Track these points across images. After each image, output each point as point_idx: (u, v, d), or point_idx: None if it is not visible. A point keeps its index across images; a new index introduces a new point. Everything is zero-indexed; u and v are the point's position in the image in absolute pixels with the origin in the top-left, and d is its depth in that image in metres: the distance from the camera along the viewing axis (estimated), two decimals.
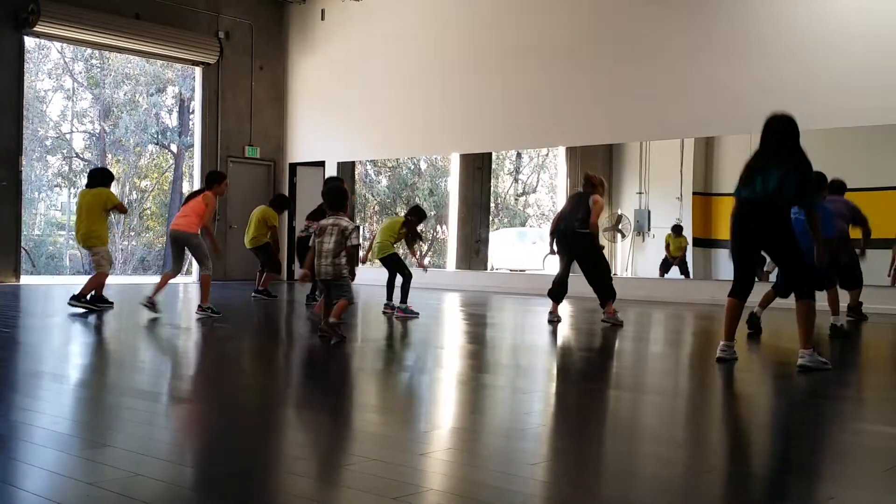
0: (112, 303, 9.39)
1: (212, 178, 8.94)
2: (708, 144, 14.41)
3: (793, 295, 5.63)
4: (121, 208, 9.56)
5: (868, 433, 3.86)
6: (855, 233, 8.92)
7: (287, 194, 12.07)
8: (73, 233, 9.85)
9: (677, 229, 15.14)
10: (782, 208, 5.57)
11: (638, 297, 12.39)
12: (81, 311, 8.80)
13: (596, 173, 9.01)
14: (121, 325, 8.31)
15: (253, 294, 11.30)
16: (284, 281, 16.33)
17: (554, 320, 8.56)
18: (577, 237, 8.47)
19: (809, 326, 5.48)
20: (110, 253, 9.53)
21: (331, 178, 10.45)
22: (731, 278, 5.84)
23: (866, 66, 10.98)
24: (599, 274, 8.56)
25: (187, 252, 8.84)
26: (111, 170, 9.81)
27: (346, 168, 17.68)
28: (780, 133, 5.76)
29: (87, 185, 9.44)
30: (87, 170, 27.49)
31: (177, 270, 8.87)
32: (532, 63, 14.17)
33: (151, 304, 8.46)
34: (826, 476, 3.12)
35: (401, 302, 8.98)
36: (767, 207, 5.56)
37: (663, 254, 15.36)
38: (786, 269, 5.83)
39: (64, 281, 16.49)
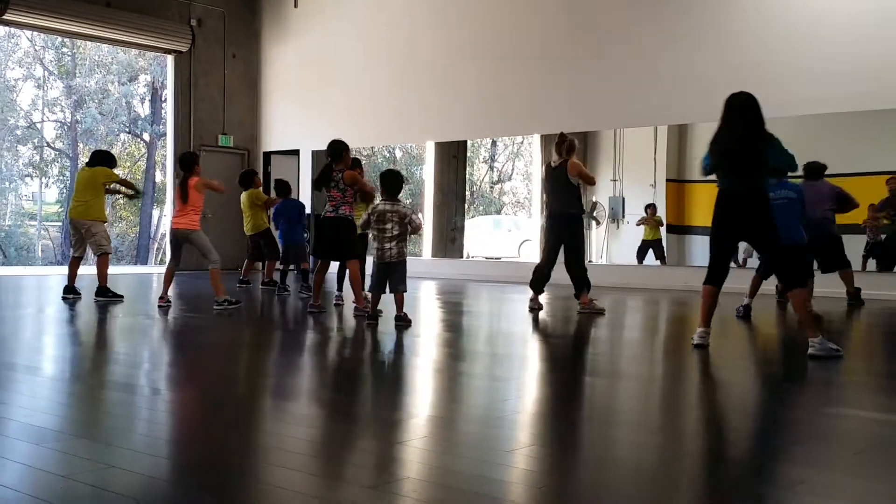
0: (79, 294, 9.33)
1: (189, 163, 8.71)
2: (681, 132, 14.47)
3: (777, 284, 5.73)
4: (126, 184, 9.39)
5: (840, 417, 3.92)
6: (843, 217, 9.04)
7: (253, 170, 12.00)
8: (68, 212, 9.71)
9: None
10: (764, 197, 5.63)
11: (613, 284, 12.46)
12: (105, 301, 8.86)
13: (568, 135, 8.67)
14: (101, 317, 8.24)
15: (261, 286, 11.27)
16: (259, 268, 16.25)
17: (535, 308, 8.44)
18: (569, 219, 8.29)
19: (809, 314, 5.57)
20: (108, 233, 9.38)
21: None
22: (706, 265, 5.88)
23: (837, 53, 11.07)
24: (580, 261, 8.37)
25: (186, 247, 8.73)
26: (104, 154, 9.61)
27: (321, 157, 17.61)
28: (748, 113, 5.78)
29: (87, 164, 9.33)
30: (59, 159, 27.30)
31: (176, 265, 8.77)
32: (507, 51, 14.17)
33: (166, 304, 8.41)
34: (797, 459, 3.16)
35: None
36: (752, 200, 5.61)
37: (639, 240, 15.41)
38: (773, 260, 5.91)
39: (35, 272, 16.33)
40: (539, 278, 8.48)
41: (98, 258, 9.05)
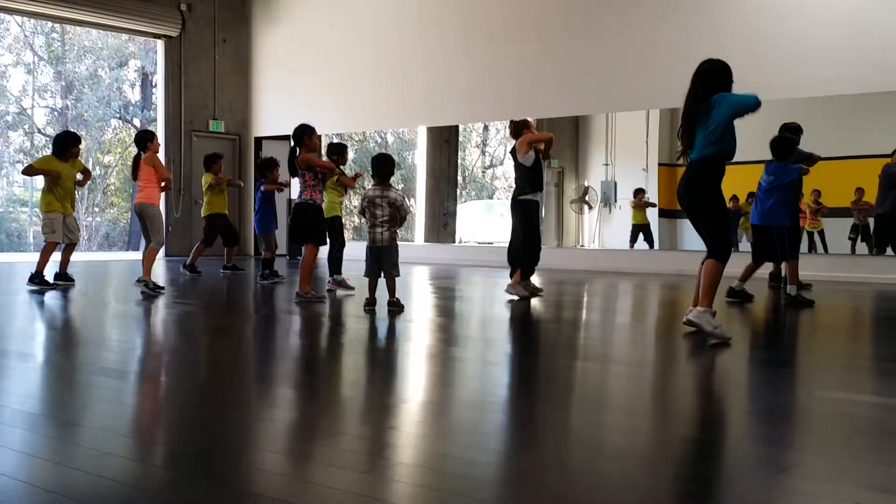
0: (73, 280, 9.29)
1: (143, 140, 8.79)
2: (673, 115, 14.46)
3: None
4: (51, 174, 8.89)
5: (829, 400, 3.94)
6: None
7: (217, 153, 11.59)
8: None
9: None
10: (698, 171, 5.47)
11: (605, 269, 12.48)
12: (36, 289, 8.70)
13: (519, 119, 8.62)
14: (87, 302, 8.23)
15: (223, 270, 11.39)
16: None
17: (524, 294, 8.30)
18: (515, 204, 8.30)
19: (711, 285, 5.41)
20: (57, 221, 8.93)
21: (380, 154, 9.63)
22: (698, 249, 5.84)
23: (825, 36, 11.08)
24: (521, 245, 8.24)
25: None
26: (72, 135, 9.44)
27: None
28: (696, 79, 5.56)
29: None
30: (49, 145, 27.16)
31: (158, 243, 8.73)
32: (498, 35, 14.13)
33: (153, 288, 8.37)
34: (788, 443, 3.18)
35: (334, 273, 8.81)
36: (686, 175, 5.51)
37: (631, 226, 15.42)
38: (707, 239, 5.59)
39: (27, 258, 16.29)
40: (511, 262, 8.45)
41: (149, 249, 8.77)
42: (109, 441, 3.03)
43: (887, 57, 10.67)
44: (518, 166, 8.21)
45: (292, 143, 7.78)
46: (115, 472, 2.68)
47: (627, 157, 16.78)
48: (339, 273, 8.78)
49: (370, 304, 7.07)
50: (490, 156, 24.11)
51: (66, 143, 9.10)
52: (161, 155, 16.36)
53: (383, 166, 7.05)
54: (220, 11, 17.07)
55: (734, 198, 12.08)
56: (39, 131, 26.44)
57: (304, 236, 7.80)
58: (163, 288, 8.67)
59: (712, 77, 5.47)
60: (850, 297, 9.30)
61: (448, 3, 14.82)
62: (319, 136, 8.26)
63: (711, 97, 5.38)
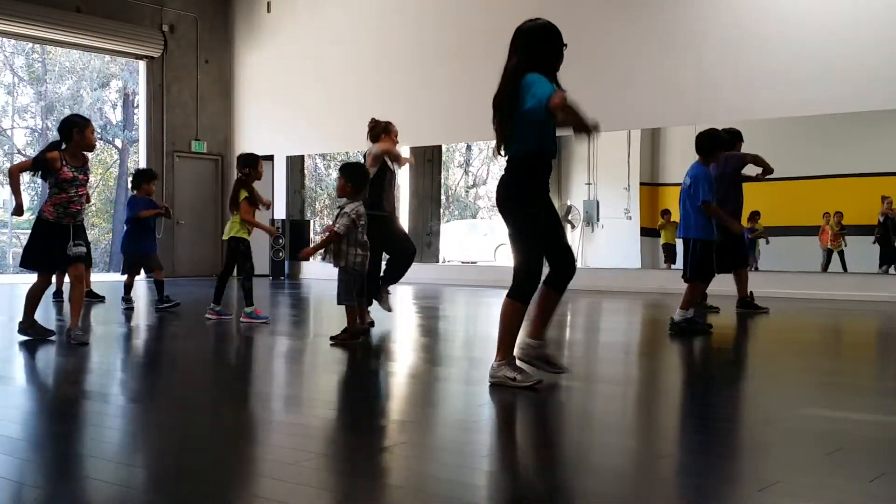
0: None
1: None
2: (654, 135, 14.58)
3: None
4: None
5: (811, 417, 3.95)
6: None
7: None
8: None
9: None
10: (511, 169, 4.43)
11: (588, 287, 12.49)
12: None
13: (379, 120, 7.61)
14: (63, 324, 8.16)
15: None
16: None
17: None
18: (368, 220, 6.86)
19: (507, 331, 4.40)
20: None
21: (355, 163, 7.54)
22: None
23: (807, 57, 11.20)
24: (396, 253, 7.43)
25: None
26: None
27: (296, 162, 17.56)
28: (513, 46, 4.62)
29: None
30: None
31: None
32: (480, 54, 14.18)
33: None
34: (772, 460, 3.18)
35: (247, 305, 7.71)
36: (502, 175, 4.49)
37: (617, 243, 15.46)
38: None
39: (7, 280, 16.16)
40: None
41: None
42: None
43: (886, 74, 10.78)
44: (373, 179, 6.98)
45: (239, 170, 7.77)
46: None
47: (609, 177, 16.87)
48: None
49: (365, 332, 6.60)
50: (473, 175, 24.16)
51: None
52: None
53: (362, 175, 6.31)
54: (202, 33, 17.07)
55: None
56: (20, 152, 26.31)
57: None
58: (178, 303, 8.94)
59: (530, 38, 4.68)
60: (828, 315, 9.33)
61: (430, 23, 14.89)
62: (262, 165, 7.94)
63: (523, 71, 4.41)
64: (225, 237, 7.90)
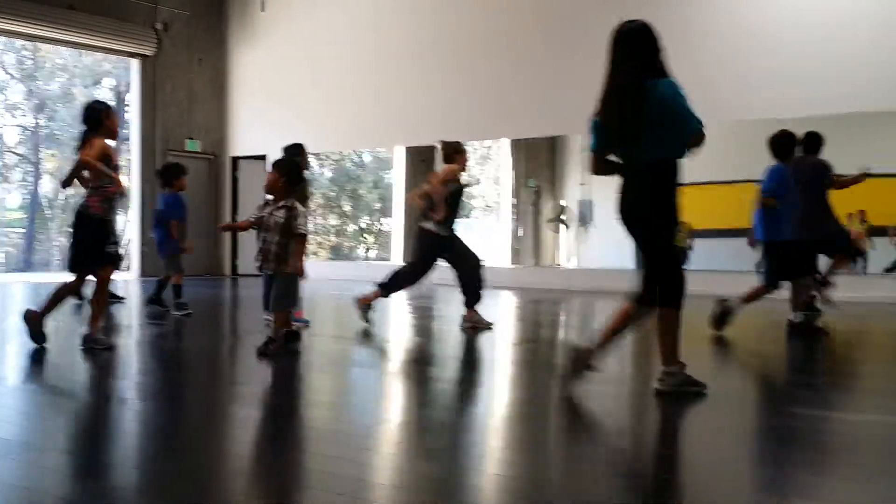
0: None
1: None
2: None
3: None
4: None
5: (813, 418, 3.93)
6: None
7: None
8: None
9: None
10: (655, 174, 4.24)
11: (583, 288, 12.50)
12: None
13: (449, 141, 7.49)
14: (57, 326, 8.11)
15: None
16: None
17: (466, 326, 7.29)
18: (420, 233, 7.25)
19: (671, 339, 4.27)
20: None
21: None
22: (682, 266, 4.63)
23: (806, 56, 11.20)
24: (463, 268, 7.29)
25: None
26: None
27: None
28: (623, 47, 4.39)
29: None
30: (20, 164, 27.00)
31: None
32: (475, 55, 14.18)
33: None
34: (774, 461, 3.16)
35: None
36: (635, 179, 4.30)
37: (608, 243, 15.44)
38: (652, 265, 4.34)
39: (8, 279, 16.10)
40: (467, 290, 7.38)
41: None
42: None
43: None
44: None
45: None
46: None
47: (604, 177, 16.85)
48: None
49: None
50: (467, 175, 24.17)
51: None
52: (134, 174, 16.32)
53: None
54: (196, 31, 17.01)
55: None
56: (10, 150, 26.20)
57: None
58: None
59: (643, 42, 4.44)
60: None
61: (425, 23, 14.86)
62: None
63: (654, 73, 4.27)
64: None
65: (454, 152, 7.29)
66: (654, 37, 4.39)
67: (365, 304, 7.31)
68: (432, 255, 7.23)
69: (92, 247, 5.69)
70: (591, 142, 4.44)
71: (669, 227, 4.22)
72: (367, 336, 6.81)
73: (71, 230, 5.85)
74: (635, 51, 4.31)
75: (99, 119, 5.73)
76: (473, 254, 7.41)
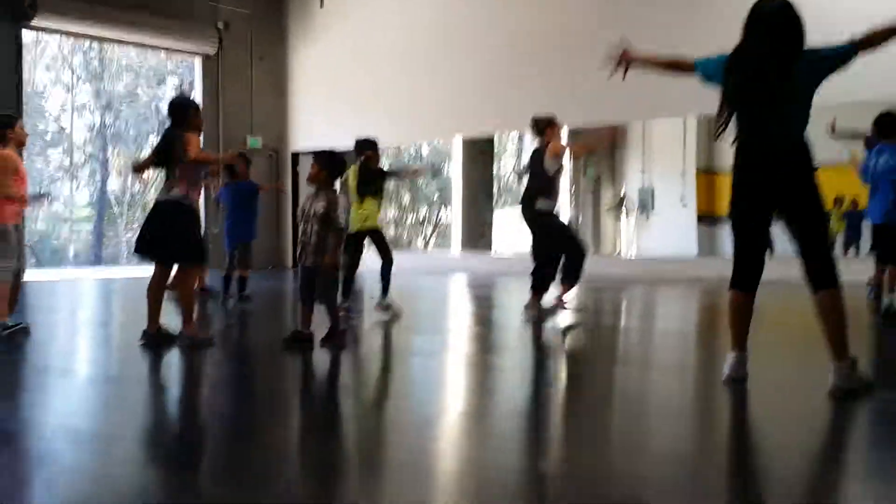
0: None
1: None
2: (710, 121, 14.35)
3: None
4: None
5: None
6: None
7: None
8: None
9: None
10: (804, 152, 4.05)
11: (643, 277, 12.37)
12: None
13: (542, 115, 7.31)
14: (129, 319, 8.30)
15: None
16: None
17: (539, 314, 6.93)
18: (532, 216, 6.95)
19: (839, 328, 3.81)
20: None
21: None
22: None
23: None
24: (563, 249, 6.93)
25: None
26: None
27: (350, 155, 17.64)
28: (778, 28, 4.24)
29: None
30: (87, 163, 27.70)
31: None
32: (536, 43, 14.09)
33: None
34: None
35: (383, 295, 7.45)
36: (787, 156, 4.06)
37: (669, 231, 15.29)
38: (807, 243, 3.98)
39: (69, 275, 16.52)
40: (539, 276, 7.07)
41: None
42: None
43: None
44: (537, 172, 7.01)
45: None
46: None
47: (664, 164, 16.67)
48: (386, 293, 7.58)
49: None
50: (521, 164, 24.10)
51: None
52: None
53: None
54: (256, 29, 17.22)
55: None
56: (79, 149, 26.89)
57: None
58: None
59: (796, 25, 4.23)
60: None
61: (483, 12, 14.82)
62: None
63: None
64: (361, 228, 7.53)
65: (546, 126, 7.10)
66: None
67: (559, 305, 7.08)
68: (560, 232, 7.02)
69: (192, 239, 5.67)
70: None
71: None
72: (422, 325, 6.83)
73: (157, 222, 5.66)
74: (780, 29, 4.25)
75: (187, 115, 5.77)
76: (579, 239, 7.24)
